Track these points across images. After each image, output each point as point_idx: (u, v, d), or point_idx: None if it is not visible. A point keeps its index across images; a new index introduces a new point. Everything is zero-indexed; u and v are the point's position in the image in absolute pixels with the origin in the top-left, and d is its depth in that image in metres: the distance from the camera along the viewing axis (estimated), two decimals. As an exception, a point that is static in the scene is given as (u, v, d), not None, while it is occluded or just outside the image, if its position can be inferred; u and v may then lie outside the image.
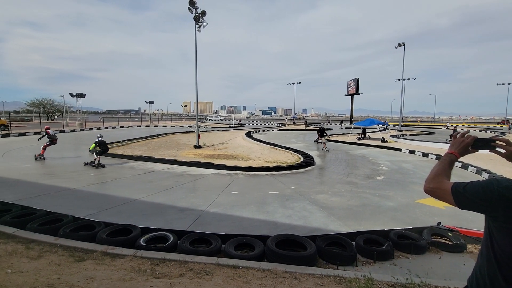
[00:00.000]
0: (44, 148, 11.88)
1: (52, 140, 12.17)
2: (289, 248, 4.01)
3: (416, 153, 14.79)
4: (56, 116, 52.63)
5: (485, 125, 52.51)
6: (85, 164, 10.76)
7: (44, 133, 12.35)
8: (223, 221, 5.38)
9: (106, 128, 32.08)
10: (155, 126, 40.88)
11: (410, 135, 27.28)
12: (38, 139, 12.99)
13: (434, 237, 4.58)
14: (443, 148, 16.87)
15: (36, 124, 32.25)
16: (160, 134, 24.58)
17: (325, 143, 16.72)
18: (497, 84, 54.04)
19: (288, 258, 3.64)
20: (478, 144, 1.26)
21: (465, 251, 4.27)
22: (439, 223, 4.90)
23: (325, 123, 55.41)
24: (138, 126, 38.58)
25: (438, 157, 13.08)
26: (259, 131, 32.12)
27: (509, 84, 52.29)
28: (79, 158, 12.61)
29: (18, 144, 16.24)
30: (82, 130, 28.54)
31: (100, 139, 10.92)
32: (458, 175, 9.97)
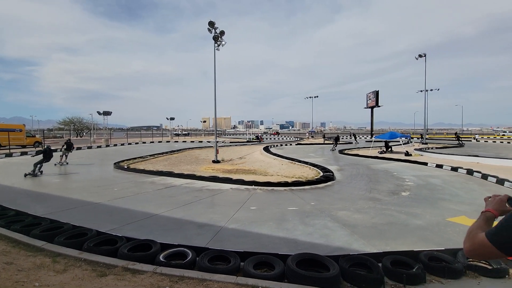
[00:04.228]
0: None
1: None
2: (311, 268, 3.84)
3: (444, 167, 13.99)
4: (84, 133, 55.75)
5: (519, 137, 48.86)
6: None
7: None
8: (241, 238, 5.29)
9: (129, 143, 33.43)
10: (175, 141, 42.06)
11: (436, 148, 25.99)
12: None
13: (471, 260, 4.21)
14: (473, 162, 15.85)
15: (66, 141, 34.29)
16: (180, 149, 25.20)
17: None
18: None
19: (310, 279, 3.47)
20: None
21: (507, 276, 3.88)
22: (475, 244, 4.51)
23: (345, 137, 54.28)
24: (159, 141, 39.89)
25: (469, 171, 12.28)
26: (276, 145, 32.03)
27: (544, 92, 48.88)
28: (104, 173, 13.13)
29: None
30: (107, 146, 29.91)
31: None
32: (493, 191, 9.26)
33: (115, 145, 31.03)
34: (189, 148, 27.12)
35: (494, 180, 10.46)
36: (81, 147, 26.59)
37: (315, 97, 62.26)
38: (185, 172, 12.38)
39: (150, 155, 19.96)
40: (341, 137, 46.85)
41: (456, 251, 4.34)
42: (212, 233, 5.50)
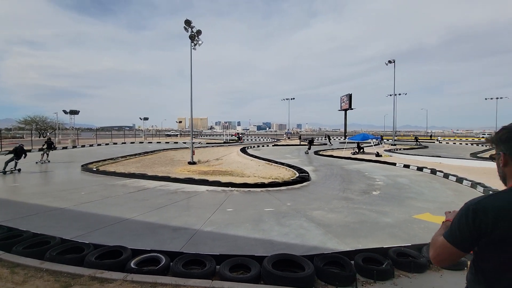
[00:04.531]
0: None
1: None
2: (286, 268, 3.87)
3: (410, 167, 14.87)
4: (48, 133, 52.00)
5: (476, 139, 53.38)
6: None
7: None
8: (217, 241, 5.22)
9: (99, 145, 31.75)
10: (149, 142, 40.66)
11: (404, 149, 27.57)
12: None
13: (433, 253, 4.49)
14: (436, 162, 17.04)
15: (27, 142, 31.75)
16: (154, 151, 24.38)
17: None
18: (485, 99, 55.79)
19: (285, 279, 3.50)
20: None
21: (466, 268, 4.18)
22: (437, 239, 4.82)
23: (320, 138, 55.80)
24: (131, 142, 38.31)
25: (433, 171, 13.17)
26: (254, 146, 32.13)
27: (497, 98, 53.99)
28: (71, 176, 12.34)
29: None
30: (74, 147, 28.17)
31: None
32: (453, 188, 10.01)
33: (83, 146, 29.32)
34: (164, 149, 26.34)
35: (454, 179, 11.30)
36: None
37: (291, 99, 63.43)
38: (159, 174, 12.00)
39: (122, 157, 19.10)
40: (316, 138, 48.23)
41: (421, 246, 4.61)
42: (187, 236, 5.37)
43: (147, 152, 22.89)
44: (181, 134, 76.54)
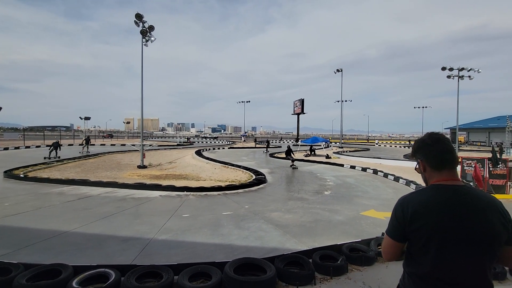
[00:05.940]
0: None
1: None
2: (248, 272, 3.82)
3: (356, 168, 16.22)
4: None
5: (407, 142, 61.11)
6: None
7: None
8: (174, 249, 4.92)
9: (27, 147, 27.63)
10: (91, 144, 36.78)
11: (350, 151, 30.00)
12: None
13: (380, 247, 4.93)
14: (377, 163, 18.91)
15: None
16: (98, 154, 22.15)
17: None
18: (414, 107, 64.04)
19: (248, 284, 3.45)
20: None
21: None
22: (383, 234, 5.31)
23: (276, 141, 57.38)
24: (69, 144, 34.16)
25: (375, 171, 14.56)
26: (209, 149, 31.50)
27: (423, 107, 62.44)
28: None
29: None
30: (-5, 149, 23.96)
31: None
32: (391, 186, 11.20)
33: (6, 148, 25.13)
34: (109, 152, 24.09)
35: (392, 178, 12.68)
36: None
37: (247, 102, 64.01)
38: (104, 180, 10.90)
39: (57, 161, 16.88)
40: (271, 141, 49.39)
41: (369, 241, 5.01)
42: (139, 247, 4.95)
43: (88, 156, 20.68)
44: (118, 136, 64.34)
